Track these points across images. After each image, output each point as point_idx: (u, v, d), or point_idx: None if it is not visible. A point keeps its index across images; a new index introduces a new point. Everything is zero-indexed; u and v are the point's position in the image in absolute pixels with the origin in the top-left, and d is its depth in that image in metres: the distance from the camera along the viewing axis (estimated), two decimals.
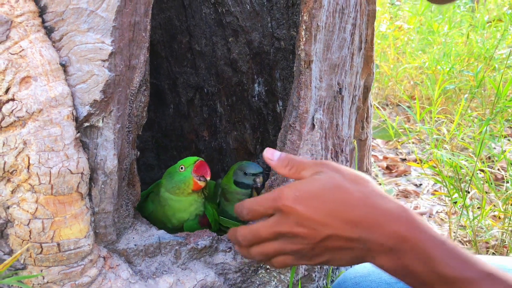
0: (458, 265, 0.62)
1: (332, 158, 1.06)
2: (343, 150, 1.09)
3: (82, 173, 0.81)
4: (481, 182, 2.13)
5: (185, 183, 1.04)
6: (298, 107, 0.98)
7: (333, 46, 1.00)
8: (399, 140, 3.03)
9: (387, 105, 3.87)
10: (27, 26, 0.78)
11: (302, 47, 0.95)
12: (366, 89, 1.17)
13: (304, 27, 0.94)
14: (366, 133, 1.21)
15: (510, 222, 1.85)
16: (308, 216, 0.69)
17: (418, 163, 2.37)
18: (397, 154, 3.02)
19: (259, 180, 1.15)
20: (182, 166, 1.05)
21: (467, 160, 2.49)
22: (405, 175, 2.79)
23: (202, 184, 1.04)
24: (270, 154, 0.82)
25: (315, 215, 0.69)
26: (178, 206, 1.07)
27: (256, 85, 1.29)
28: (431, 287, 0.63)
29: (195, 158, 1.06)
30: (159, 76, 1.34)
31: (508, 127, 3.12)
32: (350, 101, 1.11)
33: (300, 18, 0.94)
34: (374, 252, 0.67)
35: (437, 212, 2.40)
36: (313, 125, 1.00)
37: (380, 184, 2.59)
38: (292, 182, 0.75)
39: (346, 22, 1.01)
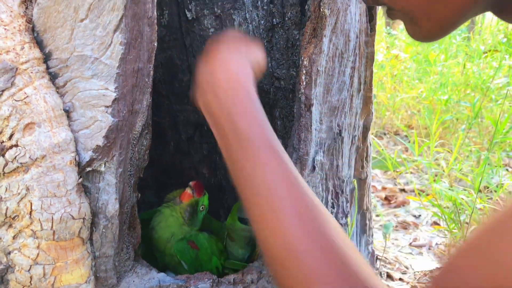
0: (253, 124, 0.68)
1: (332, 199, 1.07)
2: (343, 190, 1.10)
3: (84, 219, 0.81)
4: (480, 215, 2.13)
5: (178, 191, 1.14)
6: (298, 149, 0.99)
7: (333, 89, 1.01)
8: (397, 171, 3.03)
9: (384, 134, 3.89)
10: (31, 72, 0.79)
11: (303, 91, 0.96)
12: (366, 129, 1.18)
13: (304, 71, 0.95)
14: (366, 172, 1.22)
15: None
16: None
17: (416, 195, 2.38)
18: (396, 185, 3.02)
19: None
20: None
21: (465, 191, 2.50)
22: (404, 206, 2.79)
23: (189, 191, 1.13)
24: None
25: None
26: (160, 217, 1.12)
27: None
28: (227, 139, 0.69)
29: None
30: (159, 113, 1.35)
31: (506, 157, 3.14)
32: (350, 142, 1.12)
33: (301, 62, 0.95)
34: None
35: (436, 244, 2.40)
36: (314, 167, 1.01)
37: (378, 215, 2.58)
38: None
39: (345, 66, 1.02)
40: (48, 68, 0.81)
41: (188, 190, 1.14)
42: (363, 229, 1.27)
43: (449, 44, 5.40)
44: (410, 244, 2.37)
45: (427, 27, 0.64)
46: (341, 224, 1.08)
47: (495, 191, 2.39)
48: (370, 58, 1.11)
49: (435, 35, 0.66)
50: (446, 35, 0.66)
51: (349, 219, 1.11)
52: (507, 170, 3.32)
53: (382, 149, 2.49)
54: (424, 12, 0.62)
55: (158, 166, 1.42)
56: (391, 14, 0.68)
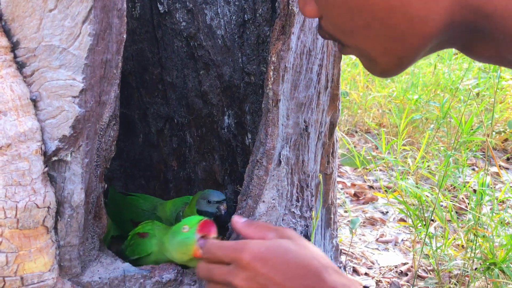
0: None
1: (297, 192, 1.09)
2: (309, 185, 1.12)
3: (48, 207, 0.82)
4: (444, 212, 2.18)
5: (186, 245, 0.91)
6: (265, 143, 1.01)
7: (300, 85, 1.04)
8: (367, 168, 3.08)
9: (356, 132, 3.95)
10: None
11: (270, 86, 0.98)
12: (332, 125, 1.21)
13: (272, 67, 0.97)
14: (332, 168, 1.24)
15: (472, 252, 1.91)
16: (265, 274, 0.70)
17: (383, 192, 2.43)
18: (365, 181, 3.07)
19: (223, 207, 1.14)
20: (186, 226, 0.92)
21: (431, 189, 2.56)
22: (372, 202, 2.84)
23: (207, 235, 0.89)
24: (238, 218, 0.85)
25: (274, 275, 0.70)
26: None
27: (226, 117, 1.31)
28: None
29: (200, 217, 0.95)
30: (129, 106, 1.36)
31: (473, 156, 3.22)
32: (316, 137, 1.15)
33: (269, 59, 0.97)
34: None
35: (402, 240, 2.45)
36: (280, 161, 1.03)
37: (346, 211, 2.63)
38: (257, 240, 0.76)
39: (313, 63, 1.05)
40: (15, 57, 0.81)
41: (198, 248, 0.89)
42: (328, 223, 1.30)
43: None
44: (377, 240, 2.41)
45: (384, 64, 0.64)
46: (305, 217, 1.10)
47: (460, 189, 2.45)
48: (338, 56, 1.14)
49: (392, 72, 0.66)
50: (403, 71, 0.66)
51: (313, 212, 1.13)
52: (473, 169, 3.41)
53: (352, 147, 2.53)
54: (381, 51, 0.62)
55: (127, 158, 1.42)
56: (344, 50, 0.67)
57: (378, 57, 0.63)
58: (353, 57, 4.65)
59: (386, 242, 2.39)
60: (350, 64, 4.54)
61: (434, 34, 0.58)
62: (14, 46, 0.81)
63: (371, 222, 2.62)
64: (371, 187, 3.01)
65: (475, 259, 1.91)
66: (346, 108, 4.04)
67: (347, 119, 4.03)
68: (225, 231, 1.08)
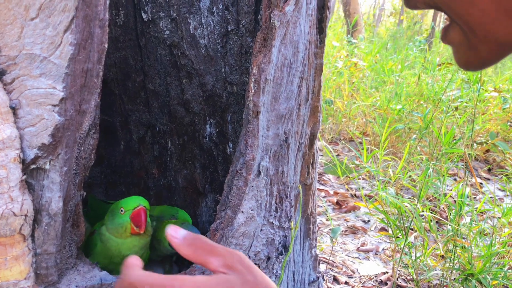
0: None
1: (276, 203, 1.10)
2: (288, 195, 1.13)
3: (26, 215, 0.82)
4: (423, 223, 2.21)
5: (123, 227, 1.04)
6: (245, 154, 1.02)
7: (281, 97, 1.05)
8: (351, 176, 3.11)
9: (340, 140, 3.98)
10: None
11: (251, 98, 0.99)
12: (312, 137, 1.22)
13: (253, 79, 0.98)
14: (312, 178, 1.26)
15: (451, 262, 1.93)
16: None
17: (364, 202, 2.45)
18: (348, 190, 3.09)
19: None
20: (122, 208, 1.05)
21: (412, 199, 2.58)
22: (354, 211, 2.86)
23: (139, 231, 1.03)
24: (173, 231, 0.68)
25: None
26: (118, 247, 1.07)
27: (207, 126, 1.32)
28: None
29: (136, 202, 1.05)
30: (111, 113, 1.36)
31: (454, 166, 3.26)
32: (296, 148, 1.16)
33: (250, 71, 0.98)
34: None
35: (383, 249, 2.47)
36: (259, 172, 1.04)
37: (328, 220, 2.64)
38: (193, 277, 0.62)
39: (293, 76, 1.06)
40: None
41: (134, 226, 1.04)
42: (307, 233, 1.31)
43: (407, 55, 5.55)
44: (357, 249, 2.43)
45: (485, 51, 0.57)
46: (284, 228, 1.11)
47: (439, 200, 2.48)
48: (319, 69, 1.15)
49: (491, 60, 0.58)
50: (500, 61, 0.58)
51: (292, 223, 1.14)
52: (455, 180, 3.45)
53: (334, 156, 2.55)
54: (485, 30, 0.55)
55: (107, 164, 1.42)
56: (447, 34, 0.59)
57: (481, 41, 0.56)
58: (338, 65, 4.68)
59: (367, 251, 2.41)
60: (335, 73, 4.58)
61: None
62: None
63: (353, 230, 2.64)
64: (353, 195, 3.03)
65: (453, 270, 1.93)
66: (331, 116, 4.08)
67: (331, 127, 4.06)
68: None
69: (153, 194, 1.41)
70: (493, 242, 1.90)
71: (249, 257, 1.06)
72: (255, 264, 1.06)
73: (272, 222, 1.08)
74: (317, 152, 1.29)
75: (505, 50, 0.56)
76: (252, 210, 1.03)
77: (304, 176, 1.23)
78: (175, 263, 1.32)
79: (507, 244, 1.99)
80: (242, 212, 1.02)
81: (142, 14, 1.26)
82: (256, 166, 1.03)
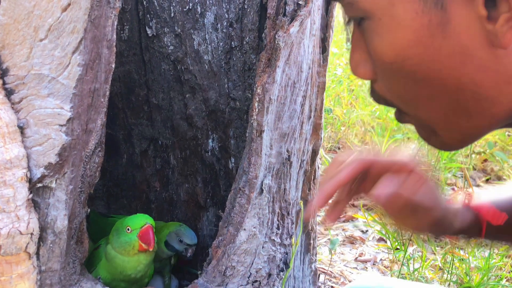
0: None
1: (278, 220, 1.11)
2: (289, 212, 1.15)
3: (31, 234, 0.83)
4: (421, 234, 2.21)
5: (130, 245, 1.07)
6: (248, 172, 1.03)
7: (284, 116, 1.06)
8: None
9: (338, 149, 3.99)
10: None
11: (255, 117, 1.00)
12: (314, 153, 1.24)
13: (257, 99, 1.00)
14: (313, 194, 1.27)
15: (449, 274, 1.94)
16: None
17: (363, 212, 2.46)
18: None
19: (190, 251, 1.20)
20: (129, 227, 1.06)
21: None
22: (352, 220, 2.87)
23: (149, 248, 1.06)
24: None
25: None
26: (124, 265, 1.08)
27: (210, 140, 1.33)
28: None
29: (143, 221, 1.07)
30: (114, 126, 1.37)
31: (453, 176, 3.27)
32: (298, 166, 1.17)
33: (254, 90, 1.00)
34: None
35: (381, 260, 2.48)
36: (262, 190, 1.05)
37: (326, 229, 2.65)
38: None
39: (297, 95, 1.07)
40: (4, 83, 0.82)
41: (142, 244, 1.07)
42: (307, 248, 1.32)
43: None
44: (356, 259, 2.44)
45: (446, 138, 0.59)
46: (285, 245, 1.12)
47: None
48: (321, 87, 1.16)
49: (453, 146, 0.61)
50: (465, 147, 0.62)
51: (293, 239, 1.15)
52: (453, 189, 3.46)
53: None
54: (444, 125, 0.57)
55: (110, 177, 1.43)
56: (402, 118, 0.62)
57: (440, 131, 0.58)
58: (338, 72, 4.70)
59: (365, 262, 2.42)
60: (335, 81, 4.59)
61: (502, 116, 0.55)
62: (3, 73, 0.82)
63: (351, 240, 2.64)
64: (352, 204, 3.03)
65: (451, 282, 1.94)
66: (330, 124, 4.09)
67: (330, 136, 4.07)
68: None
69: (154, 207, 1.42)
70: (491, 253, 1.91)
71: (250, 274, 1.07)
72: (256, 281, 1.07)
73: (273, 239, 1.10)
74: (318, 168, 1.30)
75: (467, 140, 0.59)
76: (254, 227, 1.04)
77: (305, 192, 1.24)
78: (174, 274, 1.33)
79: (504, 256, 2.00)
80: (244, 229, 1.03)
81: (147, 29, 1.28)
82: (258, 184, 1.04)
